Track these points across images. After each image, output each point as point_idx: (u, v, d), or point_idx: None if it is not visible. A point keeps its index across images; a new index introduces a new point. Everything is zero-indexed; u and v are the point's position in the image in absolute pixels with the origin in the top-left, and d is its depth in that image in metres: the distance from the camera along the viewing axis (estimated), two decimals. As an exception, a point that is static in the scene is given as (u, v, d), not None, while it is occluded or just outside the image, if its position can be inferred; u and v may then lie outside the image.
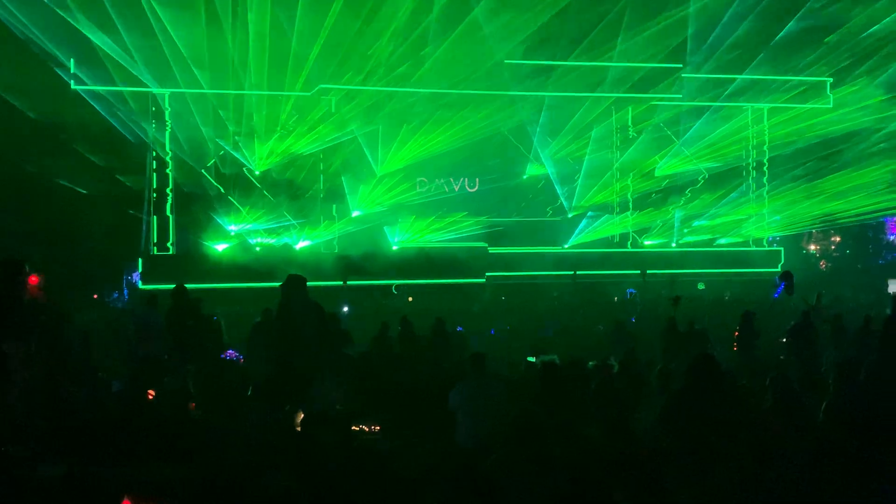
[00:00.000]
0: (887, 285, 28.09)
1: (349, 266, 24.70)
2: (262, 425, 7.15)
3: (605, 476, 4.89)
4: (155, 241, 25.40)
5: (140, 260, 24.63)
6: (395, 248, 27.02)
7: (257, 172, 26.38)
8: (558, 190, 28.66)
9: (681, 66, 26.85)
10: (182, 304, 12.55)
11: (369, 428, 8.90)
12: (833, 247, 35.05)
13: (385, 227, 27.20)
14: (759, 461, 5.18)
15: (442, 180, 28.15)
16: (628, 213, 28.89)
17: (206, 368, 10.20)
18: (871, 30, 24.87)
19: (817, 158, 28.37)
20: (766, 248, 29.57)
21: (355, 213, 27.04)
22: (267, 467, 5.76)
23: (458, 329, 14.71)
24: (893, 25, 24.30)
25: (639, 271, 24.49)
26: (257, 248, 26.31)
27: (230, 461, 5.68)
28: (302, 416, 7.57)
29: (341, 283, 22.54)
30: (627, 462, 5.03)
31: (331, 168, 27.08)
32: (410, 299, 22.94)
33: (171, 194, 25.48)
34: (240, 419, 7.70)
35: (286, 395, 8.03)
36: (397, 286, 22.81)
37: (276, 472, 5.47)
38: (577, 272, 25.37)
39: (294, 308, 8.41)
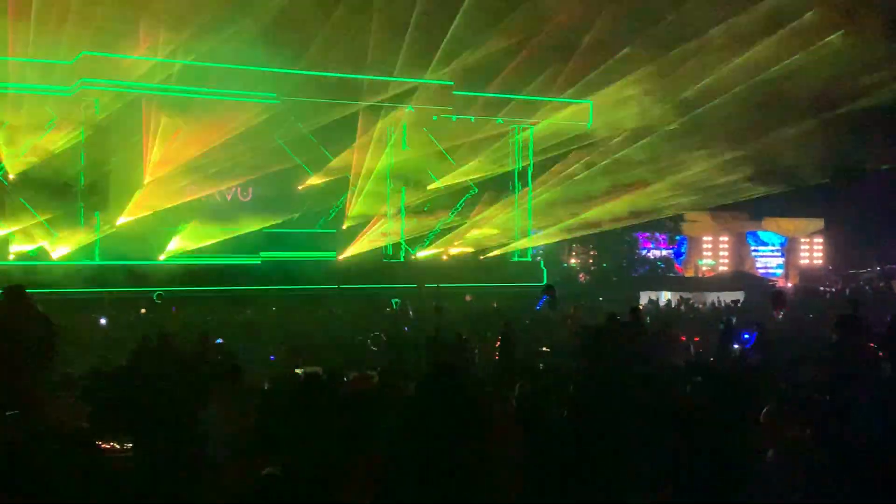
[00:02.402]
0: (639, 297, 30.07)
1: (112, 276, 23.64)
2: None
3: (338, 487, 4.98)
4: None
5: None
6: (161, 258, 26.11)
7: (12, 176, 24.70)
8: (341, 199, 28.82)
9: (451, 83, 27.57)
10: None
11: (121, 445, 8.58)
12: (591, 261, 37.27)
13: (153, 236, 26.22)
14: (495, 465, 5.41)
15: (214, 188, 27.49)
16: (401, 224, 29.40)
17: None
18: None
19: (576, 175, 30.02)
20: (530, 261, 30.97)
21: (120, 221, 25.88)
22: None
23: (218, 341, 14.34)
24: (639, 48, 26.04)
25: (415, 284, 24.88)
26: (11, 257, 24.63)
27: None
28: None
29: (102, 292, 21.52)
30: (360, 471, 5.13)
31: (94, 173, 25.76)
32: (175, 310, 22.15)
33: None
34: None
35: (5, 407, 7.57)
36: (161, 296, 21.88)
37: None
38: (342, 285, 25.43)
39: (15, 321, 7.96)
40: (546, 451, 6.12)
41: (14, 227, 24.74)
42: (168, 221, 26.51)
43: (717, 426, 6.61)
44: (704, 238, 44.87)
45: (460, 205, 30.54)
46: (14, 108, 24.28)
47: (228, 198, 28.03)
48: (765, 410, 6.37)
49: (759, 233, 45.53)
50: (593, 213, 30.36)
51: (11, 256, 24.69)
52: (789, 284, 40.91)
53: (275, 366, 14.97)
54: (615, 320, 13.71)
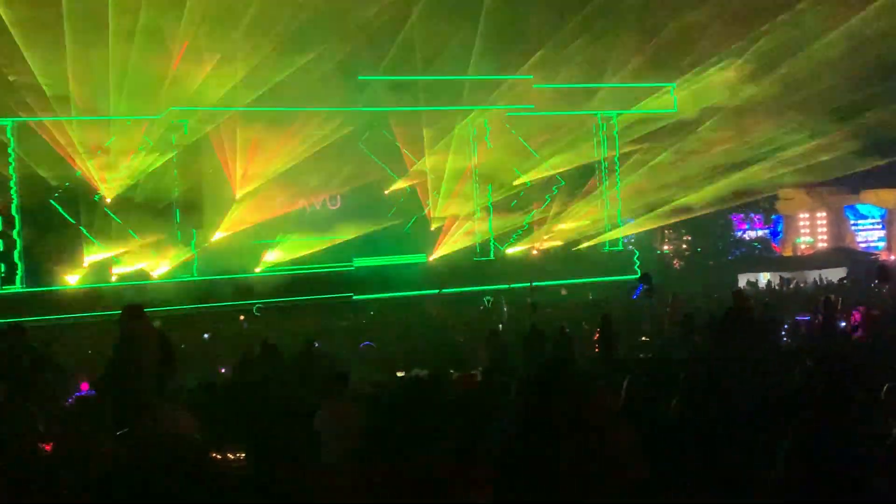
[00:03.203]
0: (737, 279, 29.46)
1: (211, 291, 24.22)
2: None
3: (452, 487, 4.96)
4: (3, 274, 24.34)
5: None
6: (258, 270, 26.62)
7: (109, 200, 25.50)
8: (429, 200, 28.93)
9: (531, 76, 27.36)
10: (17, 344, 12.02)
11: (234, 455, 8.74)
12: (685, 246, 36.61)
13: (246, 250, 26.79)
14: (605, 460, 5.32)
15: (303, 199, 27.96)
16: (489, 222, 29.38)
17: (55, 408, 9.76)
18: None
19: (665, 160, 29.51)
20: (622, 250, 30.58)
21: (215, 237, 26.52)
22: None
23: (316, 344, 14.55)
24: (725, 28, 25.45)
25: (505, 281, 24.76)
26: (113, 278, 25.44)
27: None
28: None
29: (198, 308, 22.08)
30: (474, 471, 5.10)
31: (187, 192, 26.45)
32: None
33: (18, 226, 24.47)
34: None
35: (123, 422, 7.81)
36: (260, 308, 22.28)
37: None
38: (444, 287, 25.40)
39: (134, 338, 8.25)
40: (659, 445, 5.99)
41: (114, 249, 25.53)
42: (261, 235, 27.06)
43: (834, 408, 6.40)
44: (801, 215, 43.65)
45: (548, 199, 30.35)
46: (108, 134, 25.05)
47: (318, 207, 28.45)
48: (885, 388, 6.14)
49: (858, 206, 44.06)
50: (685, 197, 29.79)
51: (113, 278, 25.47)
52: (893, 257, 39.53)
53: (377, 370, 15.10)
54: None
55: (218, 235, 26.51)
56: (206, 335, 19.40)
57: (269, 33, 23.43)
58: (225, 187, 26.40)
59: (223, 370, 14.54)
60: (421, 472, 5.08)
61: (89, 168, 25.02)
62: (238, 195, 26.52)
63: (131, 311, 8.52)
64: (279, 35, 23.46)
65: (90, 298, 23.49)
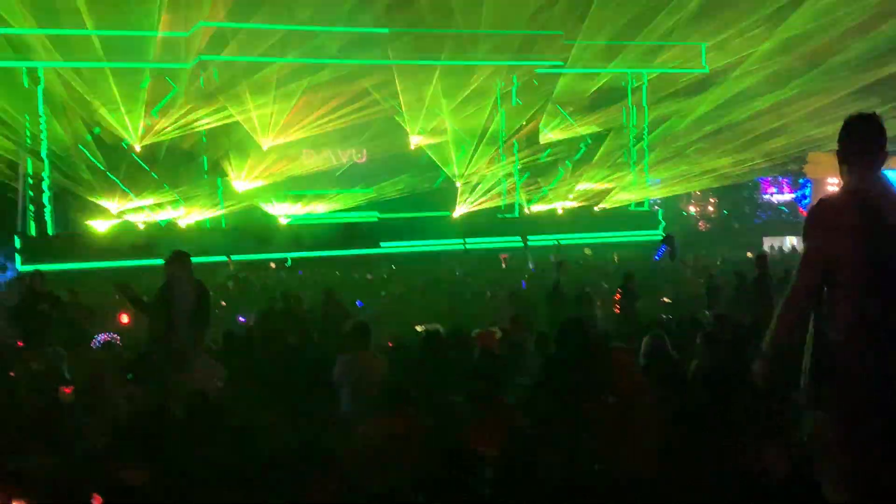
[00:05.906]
0: (762, 243, 29.21)
1: (239, 241, 24.33)
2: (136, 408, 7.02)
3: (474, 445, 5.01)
4: (32, 220, 24.60)
5: (17, 240, 23.78)
6: (285, 221, 26.68)
7: (138, 148, 25.62)
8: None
9: (560, 32, 27.04)
10: (37, 289, 12.33)
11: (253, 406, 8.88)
12: (711, 208, 36.30)
13: (274, 201, 26.89)
14: (625, 422, 5.35)
15: (329, 152, 27.96)
16: (515, 179, 29.25)
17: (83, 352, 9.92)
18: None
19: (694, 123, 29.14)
20: (646, 210, 30.39)
21: (243, 188, 26.61)
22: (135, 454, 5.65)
23: (359, 303, 14.62)
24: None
25: (520, 238, 24.60)
26: (140, 226, 25.61)
27: (95, 449, 5.57)
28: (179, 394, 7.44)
29: (226, 258, 22.22)
30: (496, 429, 5.15)
31: (215, 143, 26.52)
32: (301, 273, 22.63)
33: (47, 171, 24.66)
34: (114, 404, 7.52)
35: (160, 372, 7.94)
36: (291, 259, 22.36)
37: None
38: (467, 241, 25.32)
39: (177, 284, 8.32)
40: (677, 407, 6.01)
41: (142, 197, 25.67)
42: (287, 187, 27.12)
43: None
44: (829, 180, 42.98)
45: (575, 157, 30.17)
46: (137, 82, 25.03)
47: (344, 161, 28.43)
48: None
49: (889, 172, 43.37)
50: (714, 161, 29.48)
51: (141, 226, 25.63)
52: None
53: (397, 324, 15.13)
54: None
55: (245, 186, 26.61)
56: (229, 283, 19.48)
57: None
58: (253, 138, 26.42)
59: (242, 320, 14.62)
60: (438, 424, 5.15)
61: (118, 115, 25.10)
62: (266, 146, 26.55)
63: (178, 256, 8.55)
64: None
65: (116, 245, 23.63)
